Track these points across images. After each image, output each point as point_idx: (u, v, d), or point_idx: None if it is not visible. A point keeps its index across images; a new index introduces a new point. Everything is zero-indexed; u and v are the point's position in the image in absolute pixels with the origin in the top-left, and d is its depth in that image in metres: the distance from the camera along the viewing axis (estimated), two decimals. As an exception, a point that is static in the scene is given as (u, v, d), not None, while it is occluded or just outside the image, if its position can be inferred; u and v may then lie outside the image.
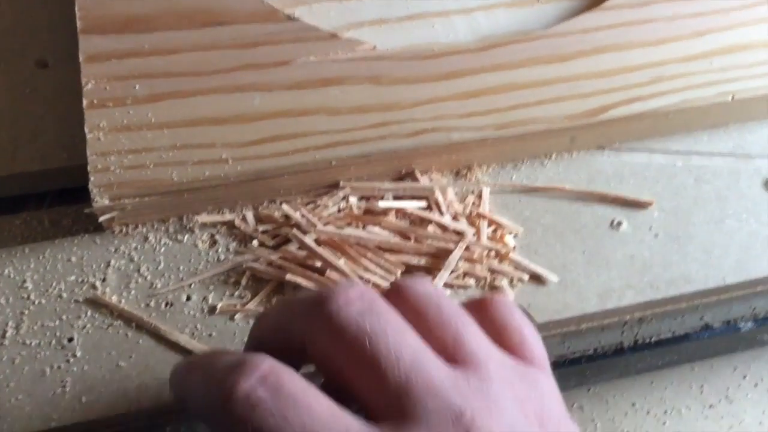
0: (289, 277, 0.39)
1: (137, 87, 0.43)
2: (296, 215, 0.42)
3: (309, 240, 0.40)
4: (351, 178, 0.43)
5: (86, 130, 0.42)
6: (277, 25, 0.46)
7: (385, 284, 0.39)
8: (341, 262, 0.40)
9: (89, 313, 0.39)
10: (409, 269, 0.41)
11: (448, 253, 0.40)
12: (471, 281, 0.41)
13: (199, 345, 0.38)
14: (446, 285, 0.40)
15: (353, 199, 0.43)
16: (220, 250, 0.42)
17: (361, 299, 0.29)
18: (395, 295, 0.31)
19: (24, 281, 0.40)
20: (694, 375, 0.48)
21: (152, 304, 0.40)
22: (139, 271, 0.41)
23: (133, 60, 0.44)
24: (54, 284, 0.40)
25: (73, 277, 0.40)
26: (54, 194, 0.44)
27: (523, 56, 0.46)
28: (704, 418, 0.47)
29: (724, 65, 0.47)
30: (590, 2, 0.49)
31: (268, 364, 0.27)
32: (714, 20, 0.48)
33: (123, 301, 0.40)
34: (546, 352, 0.32)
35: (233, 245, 0.42)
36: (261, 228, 0.42)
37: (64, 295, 0.40)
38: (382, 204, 0.42)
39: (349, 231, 0.41)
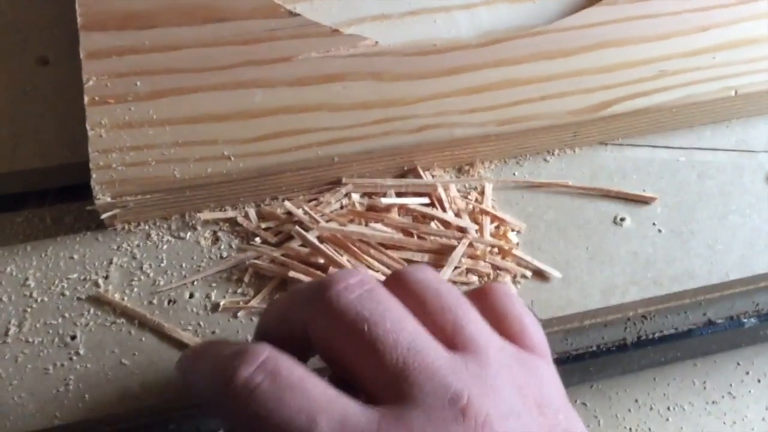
0: (291, 274, 0.39)
1: (138, 84, 0.43)
2: (299, 212, 0.42)
3: (311, 237, 0.40)
4: (353, 174, 0.43)
5: (88, 127, 0.42)
6: (278, 21, 0.46)
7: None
8: (344, 259, 0.40)
9: (92, 310, 0.39)
10: (412, 266, 0.41)
11: (450, 249, 0.40)
12: (474, 278, 0.40)
13: (202, 342, 0.38)
14: (449, 282, 0.40)
15: (356, 196, 0.43)
16: (222, 247, 0.41)
17: (361, 286, 0.30)
18: (395, 283, 0.31)
19: (26, 279, 0.40)
20: (697, 371, 0.48)
21: (155, 301, 0.39)
22: (141, 268, 0.41)
23: (134, 57, 0.44)
24: (56, 282, 0.40)
25: (75, 275, 0.40)
26: (55, 192, 0.44)
27: (525, 52, 0.46)
28: (707, 414, 0.47)
29: (727, 60, 0.47)
30: (593, -3, 0.49)
31: (267, 353, 0.28)
32: (717, 15, 0.48)
33: (126, 298, 0.40)
34: (546, 341, 0.33)
35: (236, 242, 0.42)
36: (263, 225, 0.42)
37: (67, 292, 0.40)
38: (385, 201, 0.42)
39: (352, 228, 0.41)
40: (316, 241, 0.40)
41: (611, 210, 0.44)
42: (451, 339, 0.30)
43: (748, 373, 0.48)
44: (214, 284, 0.40)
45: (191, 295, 0.40)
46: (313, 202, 0.43)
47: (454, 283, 0.40)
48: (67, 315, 0.39)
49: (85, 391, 0.36)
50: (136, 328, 0.39)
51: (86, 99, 0.42)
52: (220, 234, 0.42)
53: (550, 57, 0.46)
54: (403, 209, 0.42)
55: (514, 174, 0.45)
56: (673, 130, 0.47)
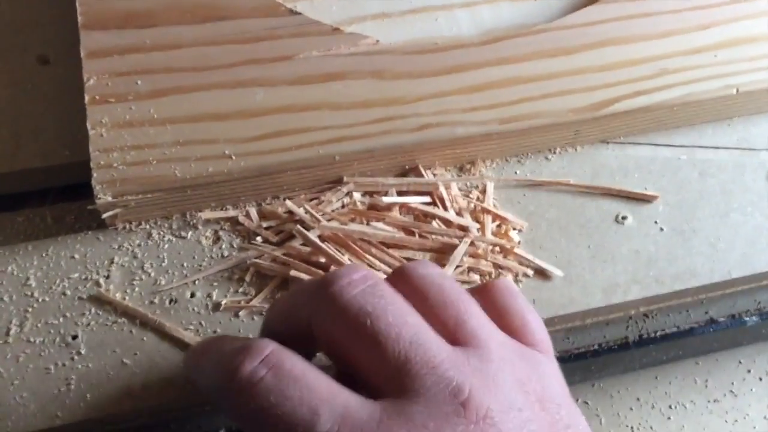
0: (293, 273, 0.39)
1: (139, 83, 0.43)
2: (300, 211, 0.42)
3: (313, 236, 0.40)
4: (354, 173, 0.43)
5: (88, 126, 0.42)
6: (279, 19, 0.46)
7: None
8: (345, 258, 0.40)
9: (93, 310, 0.39)
10: (414, 265, 0.40)
11: (452, 248, 0.40)
12: (476, 277, 0.40)
13: (203, 342, 0.38)
14: (451, 280, 0.40)
15: (357, 195, 0.43)
16: (223, 246, 0.41)
17: (364, 281, 0.30)
18: (398, 278, 0.32)
19: (27, 279, 0.40)
20: (699, 369, 0.48)
21: (156, 301, 0.39)
22: (142, 267, 0.41)
23: (135, 55, 0.44)
24: (58, 281, 0.40)
25: (76, 275, 0.40)
26: (56, 191, 0.44)
27: (526, 50, 0.46)
28: (709, 412, 0.47)
29: (728, 58, 0.47)
30: (594, -5, 0.49)
31: (271, 348, 0.29)
32: (718, 13, 0.48)
33: (127, 298, 0.40)
34: (549, 336, 0.33)
35: (237, 241, 0.42)
36: (264, 224, 0.42)
37: (68, 292, 0.40)
38: (386, 199, 0.42)
39: (353, 227, 0.41)
40: (317, 240, 0.40)
41: (613, 208, 0.44)
42: (453, 333, 0.30)
43: (749, 371, 0.48)
44: (215, 283, 0.40)
45: (192, 295, 0.40)
46: (315, 201, 0.43)
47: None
48: (68, 314, 0.39)
49: (87, 390, 0.36)
50: (137, 327, 0.39)
51: (87, 98, 0.42)
52: (221, 233, 0.42)
53: (552, 55, 0.46)
54: (405, 208, 0.42)
55: (515, 172, 0.45)
56: (674, 129, 0.47)
